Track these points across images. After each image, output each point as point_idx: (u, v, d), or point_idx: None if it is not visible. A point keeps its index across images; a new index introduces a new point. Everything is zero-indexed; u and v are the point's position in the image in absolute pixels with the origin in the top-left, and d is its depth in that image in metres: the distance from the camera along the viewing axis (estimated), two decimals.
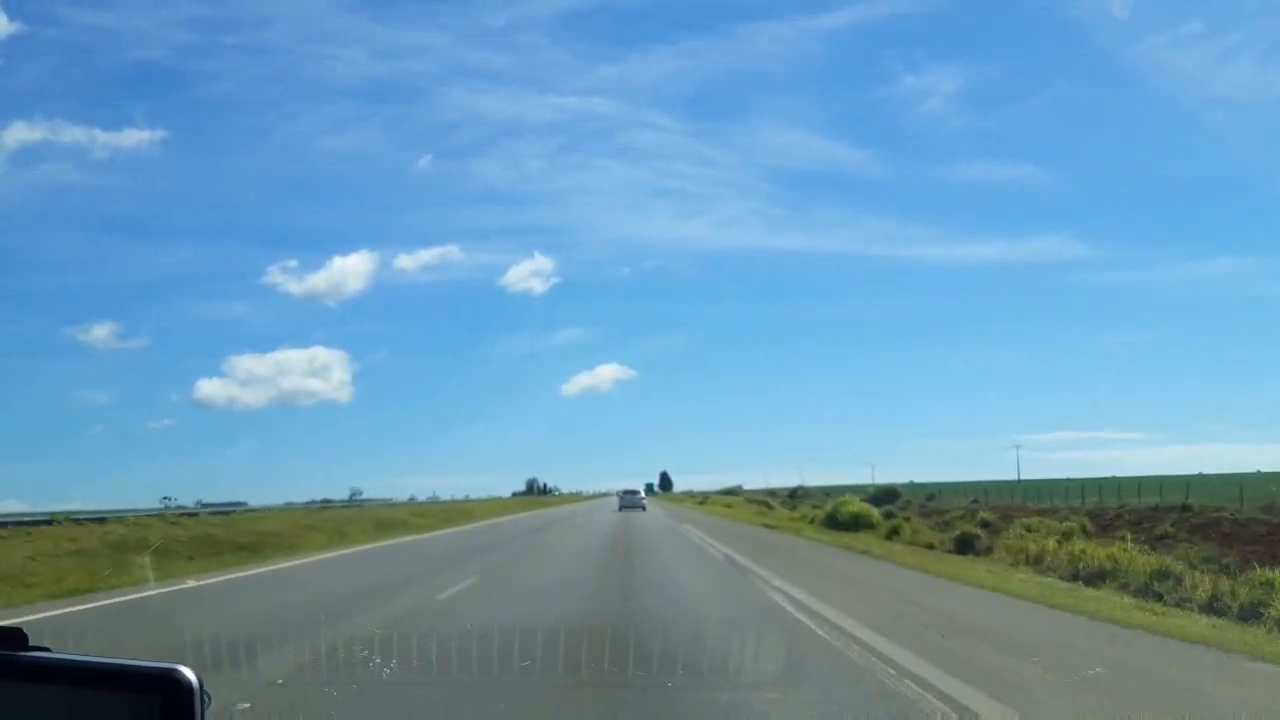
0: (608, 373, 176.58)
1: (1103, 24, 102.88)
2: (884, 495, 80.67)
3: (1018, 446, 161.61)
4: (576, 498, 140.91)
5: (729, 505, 75.83)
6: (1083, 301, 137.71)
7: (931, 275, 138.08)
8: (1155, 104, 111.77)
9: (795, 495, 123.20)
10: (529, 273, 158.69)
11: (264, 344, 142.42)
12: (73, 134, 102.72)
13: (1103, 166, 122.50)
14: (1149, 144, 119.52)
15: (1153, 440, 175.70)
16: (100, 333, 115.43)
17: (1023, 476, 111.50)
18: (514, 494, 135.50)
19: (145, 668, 1.57)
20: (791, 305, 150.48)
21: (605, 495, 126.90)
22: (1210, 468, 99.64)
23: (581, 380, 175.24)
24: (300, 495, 65.53)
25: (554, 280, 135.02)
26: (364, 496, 76.81)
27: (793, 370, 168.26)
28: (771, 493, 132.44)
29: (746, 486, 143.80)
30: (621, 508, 60.75)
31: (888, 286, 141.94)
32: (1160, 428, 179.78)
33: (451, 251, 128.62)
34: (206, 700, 1.56)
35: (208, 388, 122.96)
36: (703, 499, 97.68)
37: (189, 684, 1.52)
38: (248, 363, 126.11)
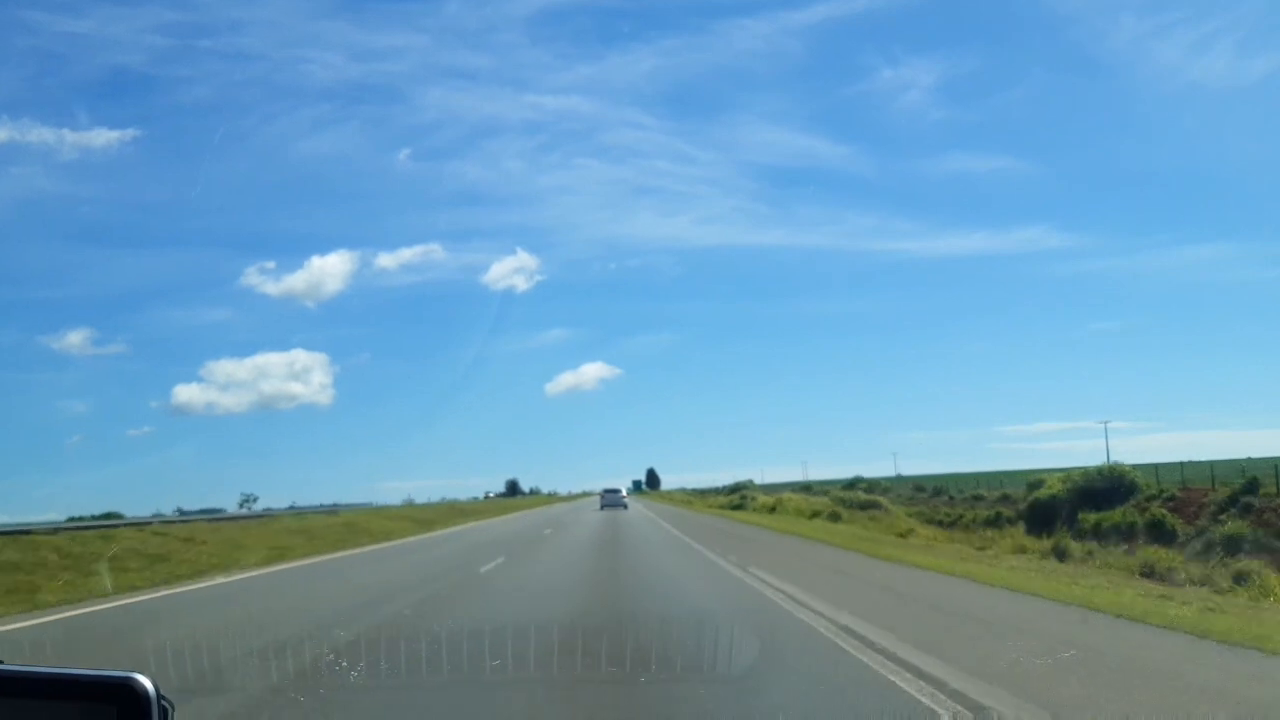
0: (592, 371, 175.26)
1: (1079, 13, 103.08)
2: (1107, 483, 43.58)
3: (1106, 423, 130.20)
4: (552, 498, 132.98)
5: (827, 510, 38.05)
6: (1065, 291, 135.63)
7: (915, 269, 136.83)
8: (1133, 92, 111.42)
9: (854, 489, 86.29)
10: (511, 270, 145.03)
11: (243, 348, 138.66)
12: (45, 141, 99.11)
13: (1082, 156, 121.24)
14: (1128, 132, 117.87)
15: (1137, 429, 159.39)
16: (75, 340, 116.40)
17: (1005, 468, 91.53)
18: (495, 494, 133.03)
19: (100, 677, 1.51)
20: (776, 301, 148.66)
21: (588, 495, 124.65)
22: (1196, 455, 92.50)
23: (566, 379, 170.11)
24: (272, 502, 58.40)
25: (537, 278, 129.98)
26: (260, 506, 61.37)
27: (780, 366, 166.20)
28: (807, 488, 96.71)
29: (757, 482, 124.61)
30: (603, 507, 59.35)
31: (871, 281, 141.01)
32: (1144, 416, 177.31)
33: (433, 250, 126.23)
34: (169, 709, 1.50)
35: (186, 393, 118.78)
36: (738, 498, 59.68)
37: (145, 692, 1.46)
38: (226, 367, 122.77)
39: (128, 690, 1.48)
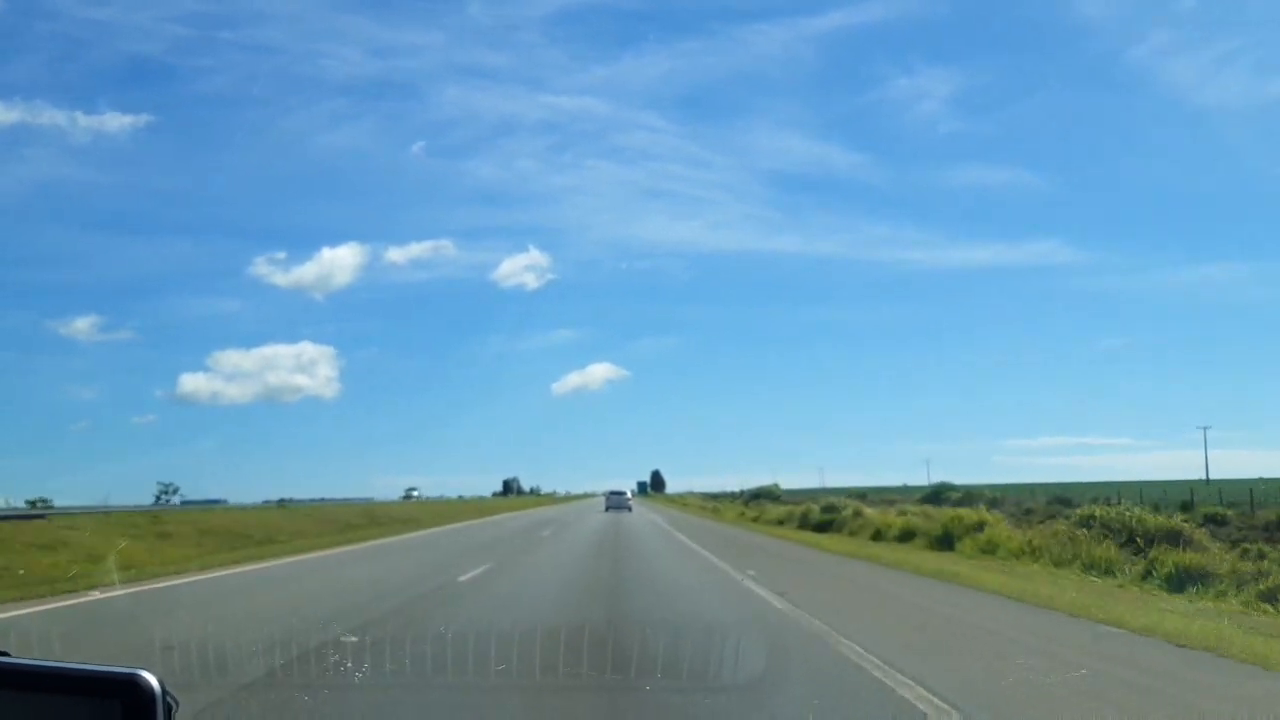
0: (600, 372, 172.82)
1: (1096, 29, 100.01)
2: None
3: (1205, 429, 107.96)
4: (548, 499, 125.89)
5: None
6: (1073, 306, 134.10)
7: (925, 279, 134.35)
8: (1148, 110, 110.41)
9: (940, 498, 63.67)
10: (522, 267, 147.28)
11: (250, 339, 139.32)
12: (62, 126, 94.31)
13: (1095, 171, 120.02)
14: (1142, 149, 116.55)
15: (1140, 446, 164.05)
16: (83, 325, 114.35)
17: (1003, 481, 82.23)
18: (495, 493, 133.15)
19: (106, 672, 1.47)
20: (786, 308, 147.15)
21: (590, 496, 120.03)
22: (1199, 474, 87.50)
23: (573, 380, 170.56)
24: (270, 493, 54.79)
25: (548, 276, 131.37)
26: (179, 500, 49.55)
27: (790, 373, 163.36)
28: (861, 495, 74.97)
29: (784, 486, 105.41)
30: (608, 509, 56.21)
31: (881, 290, 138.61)
32: (1148, 433, 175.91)
33: (444, 246, 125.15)
34: (174, 705, 1.45)
35: (191, 382, 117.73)
36: (815, 511, 35.57)
37: (150, 689, 1.42)
38: (233, 357, 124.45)
39: (132, 686, 1.42)
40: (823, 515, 33.54)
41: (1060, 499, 48.69)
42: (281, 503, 39.42)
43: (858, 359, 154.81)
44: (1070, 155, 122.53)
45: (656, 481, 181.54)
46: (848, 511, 31.51)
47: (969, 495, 62.10)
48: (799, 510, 38.22)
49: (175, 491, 68.45)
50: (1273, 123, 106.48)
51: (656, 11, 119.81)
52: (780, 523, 39.95)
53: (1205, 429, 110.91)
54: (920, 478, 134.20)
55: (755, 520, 47.06)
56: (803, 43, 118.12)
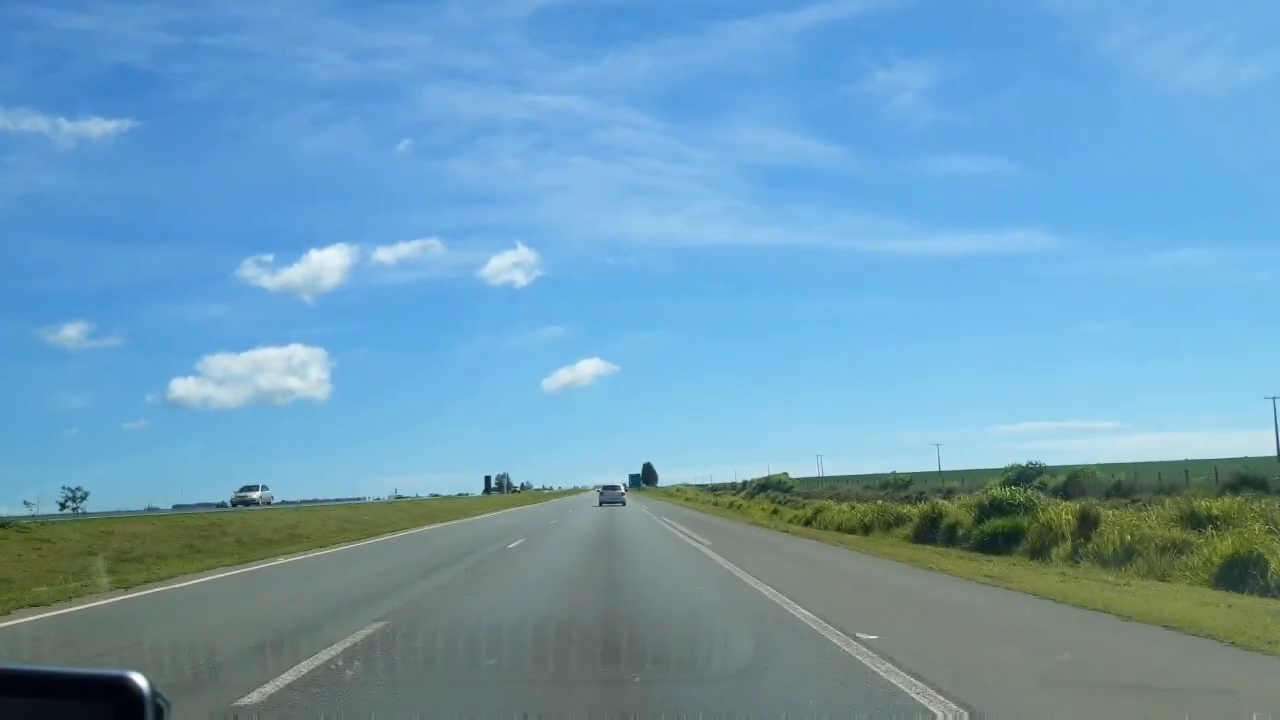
0: (589, 367, 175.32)
1: (1069, 20, 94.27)
2: None
3: (1275, 398, 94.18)
4: (536, 495, 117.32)
5: None
6: (1053, 292, 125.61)
7: (906, 268, 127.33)
8: (1124, 97, 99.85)
9: (1031, 483, 48.68)
10: (510, 264, 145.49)
11: (240, 343, 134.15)
12: (45, 135, 79.14)
13: (1072, 159, 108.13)
14: (1118, 137, 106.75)
15: (1122, 429, 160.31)
16: (72, 333, 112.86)
17: (989, 465, 74.18)
18: (484, 491, 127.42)
19: (95, 675, 1.46)
20: (770, 300, 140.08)
21: (580, 491, 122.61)
22: (1179, 455, 75.89)
23: (563, 375, 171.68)
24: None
25: (535, 273, 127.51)
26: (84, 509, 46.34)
27: (776, 364, 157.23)
28: (901, 485, 62.26)
29: (793, 475, 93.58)
30: (601, 503, 55.91)
31: (863, 280, 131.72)
32: (1129, 416, 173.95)
33: (431, 245, 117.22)
34: (165, 707, 1.43)
35: (182, 387, 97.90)
36: (962, 517, 20.59)
37: (140, 691, 1.41)
38: (223, 361, 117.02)
39: (122, 688, 1.41)
40: (986, 525, 18.20)
41: (1249, 480, 33.96)
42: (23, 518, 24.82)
43: (845, 349, 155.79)
44: (1046, 144, 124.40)
45: (648, 474, 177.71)
46: (1067, 513, 15.99)
47: (1074, 478, 47.01)
48: (916, 511, 22.58)
49: (84, 498, 57.46)
50: (1244, 109, 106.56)
51: (636, 9, 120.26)
52: (866, 529, 24.78)
53: (1275, 398, 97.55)
54: (918, 465, 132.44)
55: (809, 523, 32.00)
56: (782, 38, 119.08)
